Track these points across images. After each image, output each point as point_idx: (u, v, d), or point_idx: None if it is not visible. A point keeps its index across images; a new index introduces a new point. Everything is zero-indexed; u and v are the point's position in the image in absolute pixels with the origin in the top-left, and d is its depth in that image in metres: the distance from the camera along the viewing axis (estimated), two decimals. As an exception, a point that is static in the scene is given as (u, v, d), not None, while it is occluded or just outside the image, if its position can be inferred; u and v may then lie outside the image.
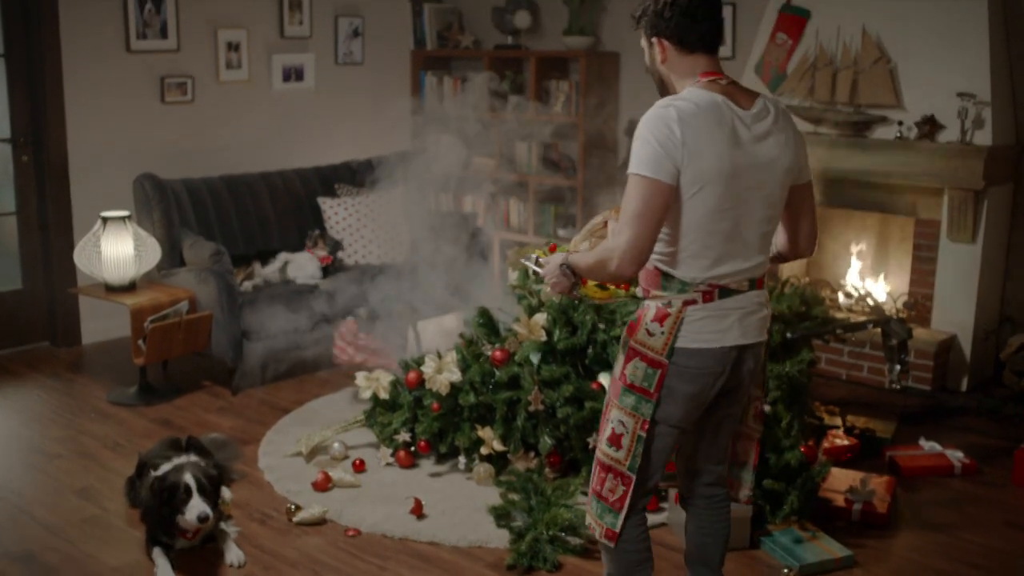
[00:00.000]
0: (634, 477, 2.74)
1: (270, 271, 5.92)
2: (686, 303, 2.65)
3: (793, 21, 6.06)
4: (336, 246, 6.26)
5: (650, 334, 2.67)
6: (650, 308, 2.69)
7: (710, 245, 2.62)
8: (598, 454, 2.82)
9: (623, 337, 2.77)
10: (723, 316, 2.67)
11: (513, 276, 4.72)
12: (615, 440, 2.75)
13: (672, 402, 2.71)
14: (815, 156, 5.68)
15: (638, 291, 2.82)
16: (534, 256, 3.05)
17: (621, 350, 2.76)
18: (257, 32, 6.96)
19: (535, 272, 3.01)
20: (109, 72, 6.27)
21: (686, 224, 2.60)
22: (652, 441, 2.74)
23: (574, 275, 2.78)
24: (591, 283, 2.80)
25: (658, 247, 2.65)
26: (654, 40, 2.72)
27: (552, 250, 3.10)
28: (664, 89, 2.76)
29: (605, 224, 2.94)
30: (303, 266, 5.93)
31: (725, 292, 2.67)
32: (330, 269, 6.08)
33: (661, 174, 2.52)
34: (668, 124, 2.53)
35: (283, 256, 6.01)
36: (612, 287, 2.92)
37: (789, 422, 4.13)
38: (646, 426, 2.70)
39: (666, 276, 2.67)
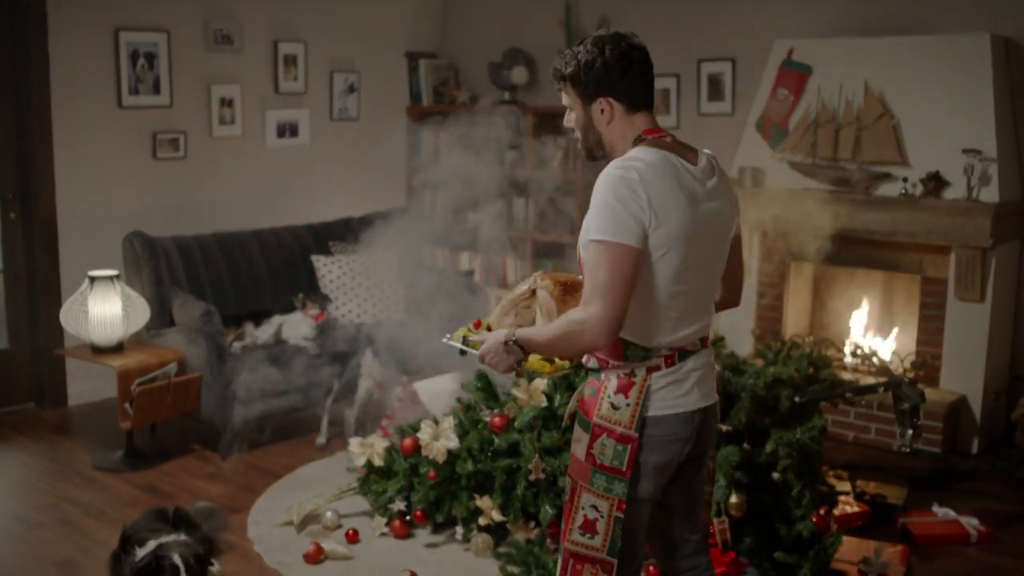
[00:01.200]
0: (615, 562, 2.58)
1: (264, 334, 5.75)
2: (650, 370, 2.53)
3: (794, 76, 5.98)
4: (325, 300, 6.11)
5: (615, 408, 2.53)
6: (610, 379, 2.55)
7: (672, 307, 2.51)
8: (567, 545, 2.62)
9: (578, 415, 2.62)
10: (684, 379, 2.57)
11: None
12: (589, 527, 2.58)
13: (645, 476, 2.56)
14: (820, 213, 5.62)
15: (591, 363, 2.63)
16: (458, 335, 2.86)
17: (581, 429, 2.60)
18: (251, 87, 6.87)
19: (462, 352, 2.83)
20: (100, 128, 6.16)
21: (649, 289, 2.48)
22: (631, 520, 2.59)
23: (522, 351, 2.58)
24: (534, 357, 2.61)
25: None
26: (599, 100, 2.57)
27: (477, 326, 2.89)
28: (595, 152, 2.66)
29: (532, 293, 2.82)
30: (297, 327, 5.77)
31: (684, 354, 2.58)
32: (324, 327, 5.92)
33: (628, 238, 2.39)
34: (631, 187, 2.41)
35: (277, 319, 5.85)
36: (559, 360, 2.67)
37: (800, 491, 3.96)
38: (623, 506, 2.55)
39: (627, 344, 2.53)
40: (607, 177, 2.44)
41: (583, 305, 2.43)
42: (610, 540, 2.56)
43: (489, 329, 2.82)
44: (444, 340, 2.88)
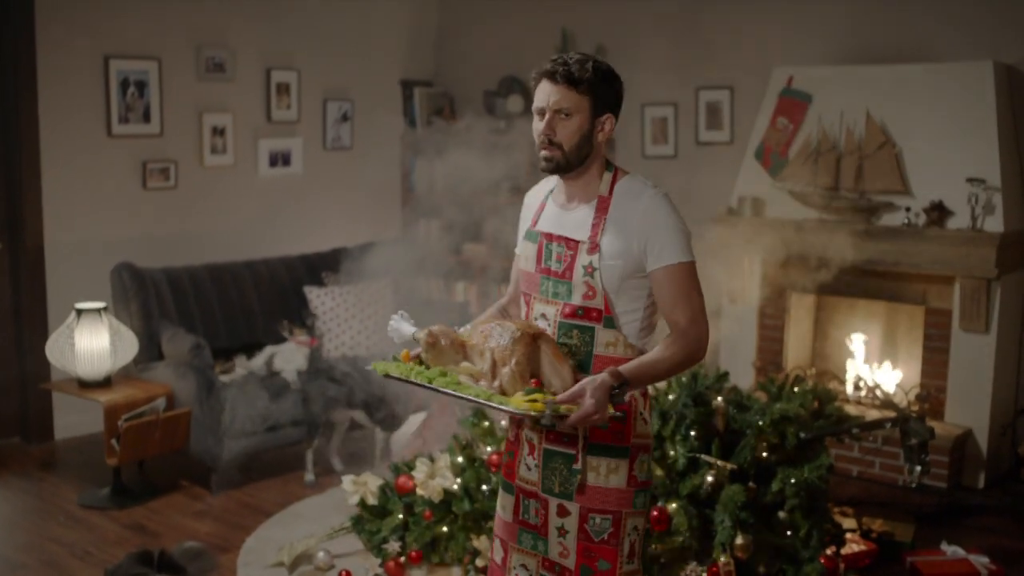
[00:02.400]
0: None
1: (256, 364, 5.62)
2: None
3: (794, 105, 5.89)
4: (312, 327, 5.97)
5: (645, 422, 2.61)
6: (636, 399, 2.59)
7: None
8: None
9: (598, 449, 2.55)
10: None
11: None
12: (632, 552, 2.60)
13: None
14: (821, 243, 5.53)
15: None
16: (387, 367, 2.60)
17: (612, 458, 2.56)
18: (243, 116, 6.78)
19: (548, 424, 2.44)
20: (89, 157, 6.05)
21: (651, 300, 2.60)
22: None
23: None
24: (518, 394, 2.42)
25: (633, 328, 2.58)
26: (607, 115, 2.58)
27: (405, 359, 2.61)
28: (573, 165, 2.57)
29: (533, 339, 2.52)
30: (291, 358, 5.64)
31: None
32: (317, 353, 5.78)
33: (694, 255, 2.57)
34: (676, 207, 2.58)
35: (269, 349, 5.72)
36: (541, 396, 2.41)
37: (808, 531, 3.84)
38: (646, 515, 2.68)
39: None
40: (661, 199, 2.53)
41: (690, 323, 2.51)
42: (639, 554, 2.63)
43: (420, 362, 2.61)
44: (519, 412, 2.40)
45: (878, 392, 5.74)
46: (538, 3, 7.36)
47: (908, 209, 5.49)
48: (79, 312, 5.13)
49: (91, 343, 5.11)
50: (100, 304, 5.21)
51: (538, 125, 2.55)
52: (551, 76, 2.53)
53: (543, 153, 2.55)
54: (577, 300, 2.54)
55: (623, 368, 2.44)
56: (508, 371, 2.44)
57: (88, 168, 6.06)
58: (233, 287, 5.99)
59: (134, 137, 6.23)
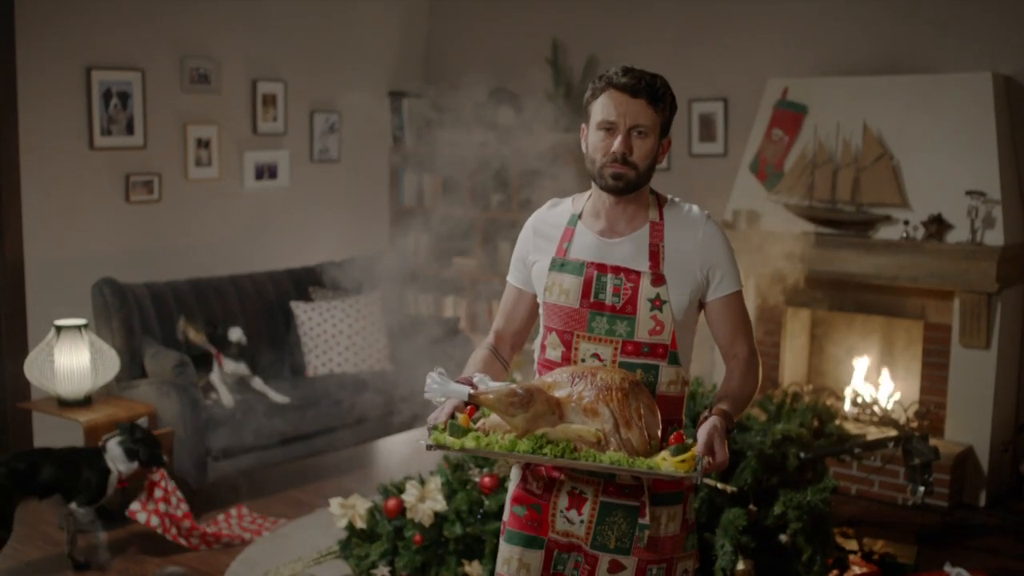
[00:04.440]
0: None
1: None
2: None
3: (789, 117, 5.79)
4: (212, 326, 5.67)
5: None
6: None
7: None
8: None
9: (656, 497, 2.40)
10: None
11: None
12: None
13: None
14: (818, 257, 5.43)
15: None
16: (444, 437, 2.24)
17: (670, 505, 2.43)
18: (228, 128, 6.65)
19: (699, 483, 2.40)
20: (71, 169, 5.90)
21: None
22: None
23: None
24: (665, 453, 2.16)
25: (688, 362, 2.46)
26: (667, 139, 2.46)
27: (471, 414, 2.31)
28: (633, 188, 2.40)
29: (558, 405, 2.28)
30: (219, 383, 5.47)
31: None
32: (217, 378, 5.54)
33: None
34: None
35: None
36: (690, 453, 2.19)
37: (811, 556, 3.71)
38: (695, 555, 2.56)
39: None
40: (716, 225, 2.46)
41: (752, 353, 2.45)
42: None
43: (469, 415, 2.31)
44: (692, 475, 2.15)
45: (876, 409, 5.64)
46: (529, 14, 7.26)
47: (906, 222, 5.39)
48: (59, 329, 4.99)
49: (71, 361, 4.96)
50: (81, 321, 5.07)
51: (606, 140, 2.38)
52: (630, 90, 2.36)
53: (614, 171, 2.36)
54: (643, 336, 2.37)
55: (726, 407, 2.31)
56: (637, 429, 2.18)
57: (69, 181, 5.91)
58: (217, 302, 5.85)
59: (117, 149, 6.09)
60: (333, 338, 5.94)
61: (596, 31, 6.92)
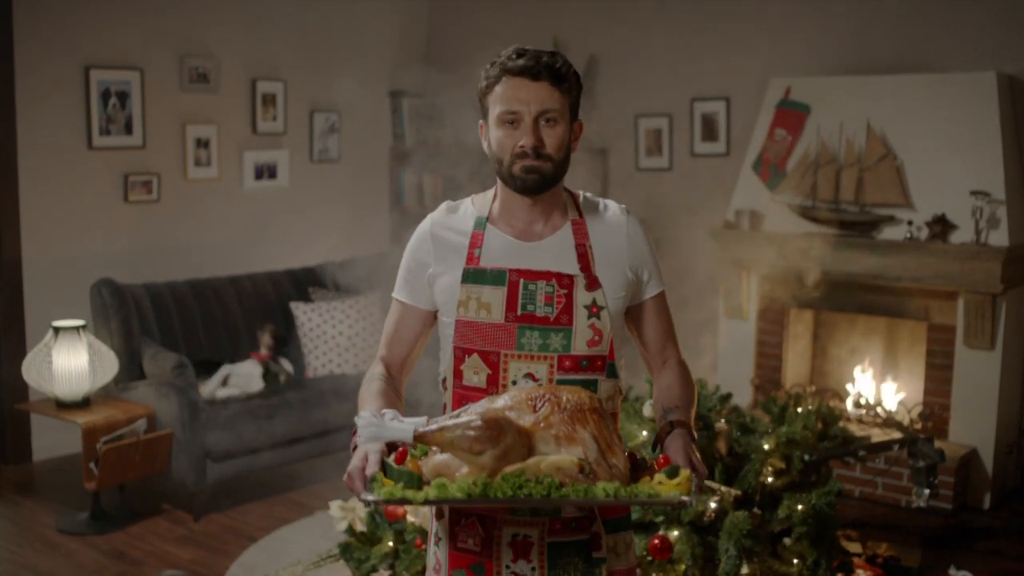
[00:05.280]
0: None
1: (208, 389, 5.38)
2: None
3: (792, 116, 5.75)
4: (281, 339, 5.76)
5: None
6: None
7: None
8: None
9: (614, 520, 2.20)
10: None
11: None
12: None
13: None
14: (821, 257, 5.39)
15: (646, 452, 2.34)
16: (387, 489, 1.85)
17: (625, 530, 2.23)
18: (228, 128, 6.61)
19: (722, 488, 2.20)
20: (69, 169, 5.87)
21: None
22: None
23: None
24: (659, 478, 1.92)
25: (621, 372, 2.22)
26: (577, 122, 2.20)
27: (401, 457, 1.95)
28: (553, 181, 2.14)
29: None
30: (247, 378, 5.45)
31: None
32: (271, 368, 5.56)
33: None
34: None
35: (224, 369, 5.51)
36: (687, 475, 1.95)
37: (816, 560, 3.67)
38: None
39: None
40: (636, 219, 2.26)
41: (676, 352, 2.29)
42: None
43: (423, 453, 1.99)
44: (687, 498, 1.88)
45: (880, 411, 5.59)
46: (529, 13, 7.22)
47: (910, 223, 5.35)
48: (57, 330, 4.95)
49: (69, 362, 4.93)
50: (79, 322, 5.03)
51: (511, 134, 2.10)
52: (529, 72, 2.08)
53: (529, 164, 2.08)
54: (581, 348, 2.11)
55: (682, 417, 2.09)
56: (621, 453, 1.92)
57: (68, 181, 5.88)
58: (217, 303, 5.82)
59: (115, 149, 6.05)
60: (333, 339, 5.90)
61: (597, 29, 6.88)
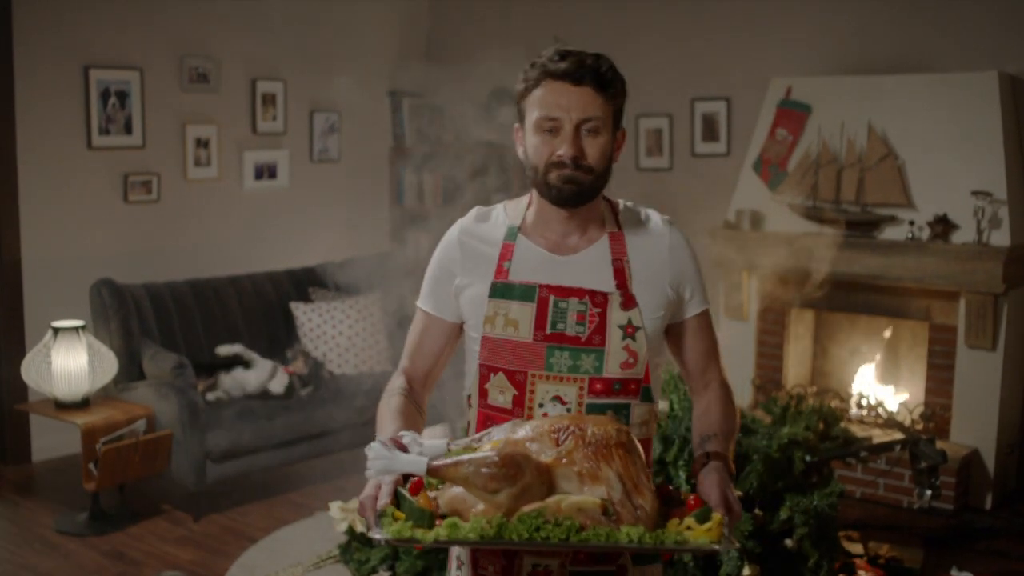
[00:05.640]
0: None
1: (236, 383, 5.40)
2: None
3: (793, 116, 5.74)
4: (315, 366, 5.76)
5: None
6: None
7: None
8: None
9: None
10: None
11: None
12: None
13: None
14: (822, 257, 5.38)
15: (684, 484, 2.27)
16: (397, 527, 1.73)
17: (653, 562, 2.08)
18: (228, 128, 6.60)
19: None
20: (68, 169, 5.86)
21: None
22: None
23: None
24: (688, 520, 1.79)
25: (657, 396, 2.10)
26: (620, 131, 2.07)
27: (416, 488, 1.83)
28: (593, 192, 2.02)
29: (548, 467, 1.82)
30: (269, 373, 5.45)
31: None
32: (295, 384, 5.57)
33: None
34: None
35: (253, 354, 5.53)
36: (718, 517, 1.82)
37: (817, 561, 3.67)
38: None
39: None
40: (680, 231, 2.12)
41: (719, 374, 2.14)
42: None
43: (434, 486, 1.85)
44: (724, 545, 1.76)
45: (881, 411, 5.58)
46: (530, 13, 7.21)
47: (912, 223, 5.34)
48: (56, 331, 4.94)
49: (68, 363, 4.92)
50: (78, 322, 5.02)
51: (550, 142, 1.98)
52: (572, 77, 1.95)
53: (566, 175, 1.96)
54: (613, 371, 1.98)
55: (719, 448, 1.96)
56: (649, 493, 1.77)
57: (67, 181, 5.87)
58: (217, 304, 5.81)
59: (115, 149, 6.04)
60: (333, 339, 5.89)
61: (598, 30, 6.86)
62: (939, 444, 5.12)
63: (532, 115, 2.00)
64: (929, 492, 4.24)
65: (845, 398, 5.75)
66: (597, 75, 1.96)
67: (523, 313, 2.01)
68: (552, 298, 2.01)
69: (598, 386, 1.99)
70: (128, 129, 6.08)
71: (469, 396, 2.10)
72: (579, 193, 1.98)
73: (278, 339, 5.93)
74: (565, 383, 1.99)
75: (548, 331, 2.00)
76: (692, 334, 2.11)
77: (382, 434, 1.98)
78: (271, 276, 6.15)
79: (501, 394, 2.03)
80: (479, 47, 7.56)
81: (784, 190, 5.73)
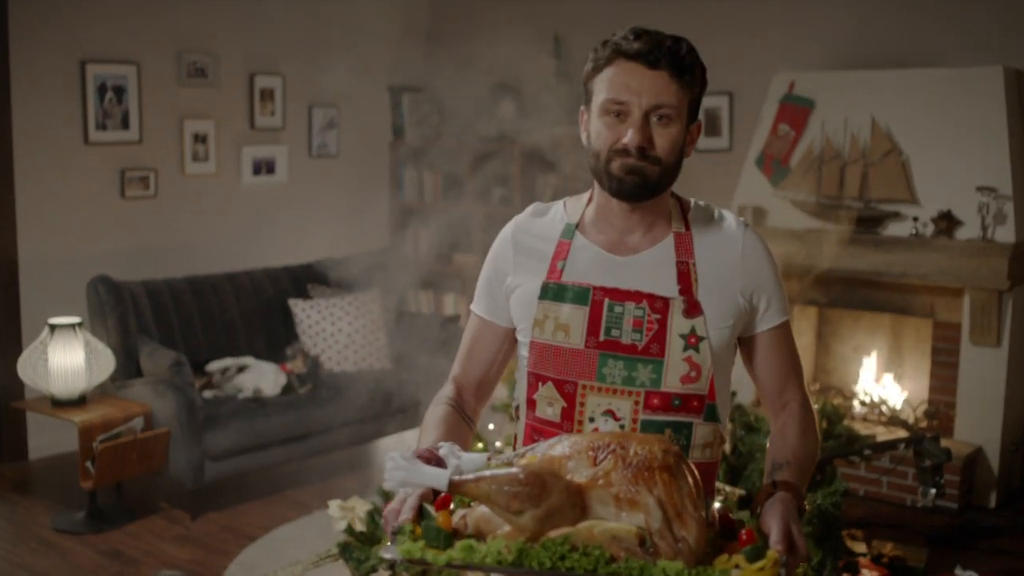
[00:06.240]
0: None
1: (230, 382, 5.39)
2: None
3: (796, 111, 5.72)
4: (313, 364, 5.74)
5: None
6: None
7: None
8: None
9: None
10: None
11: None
12: None
13: None
14: (825, 254, 5.36)
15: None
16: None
17: None
18: (226, 123, 6.58)
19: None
20: (65, 165, 5.84)
21: None
22: None
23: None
24: (737, 559, 1.58)
25: (726, 416, 1.94)
26: (696, 123, 1.92)
27: (446, 523, 1.64)
28: (660, 187, 1.85)
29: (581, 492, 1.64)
30: (266, 376, 5.43)
31: None
32: (293, 383, 5.55)
33: None
34: None
35: (247, 359, 5.51)
36: (774, 554, 1.59)
37: (821, 560, 3.65)
38: None
39: None
40: (758, 235, 1.94)
41: (799, 393, 1.93)
42: None
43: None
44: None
45: (884, 409, 5.57)
46: (530, 8, 7.19)
47: (915, 219, 5.32)
48: (53, 327, 4.92)
49: (65, 360, 4.90)
50: (75, 319, 5.00)
51: (616, 127, 1.82)
52: (646, 58, 1.80)
53: (630, 164, 1.80)
54: (673, 385, 1.82)
55: (790, 478, 1.76)
56: (695, 523, 1.56)
57: (64, 177, 5.85)
58: (215, 300, 5.79)
59: (112, 144, 6.02)
60: (332, 336, 5.87)
61: (598, 25, 6.82)
62: (943, 442, 5.11)
63: (599, 97, 1.84)
64: (933, 490, 4.23)
65: (848, 395, 5.74)
66: (675, 58, 1.82)
67: (575, 317, 1.85)
68: (607, 301, 1.84)
69: (655, 401, 1.83)
70: (125, 124, 6.05)
71: (518, 407, 1.98)
72: (643, 185, 1.82)
73: (276, 336, 5.92)
74: (619, 396, 1.83)
75: (601, 338, 1.84)
76: (767, 349, 1.93)
77: (423, 443, 1.86)
78: (269, 273, 6.13)
79: (550, 406, 1.88)
80: (479, 42, 7.53)
81: (787, 186, 5.71)
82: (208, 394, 5.30)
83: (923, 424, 5.40)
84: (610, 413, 1.83)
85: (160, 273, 5.92)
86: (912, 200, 5.36)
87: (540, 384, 1.89)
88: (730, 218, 1.95)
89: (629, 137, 1.80)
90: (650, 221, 1.90)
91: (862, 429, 5.31)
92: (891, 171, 5.39)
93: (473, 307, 2.05)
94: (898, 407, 5.57)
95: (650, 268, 1.87)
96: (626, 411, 1.83)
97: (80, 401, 4.99)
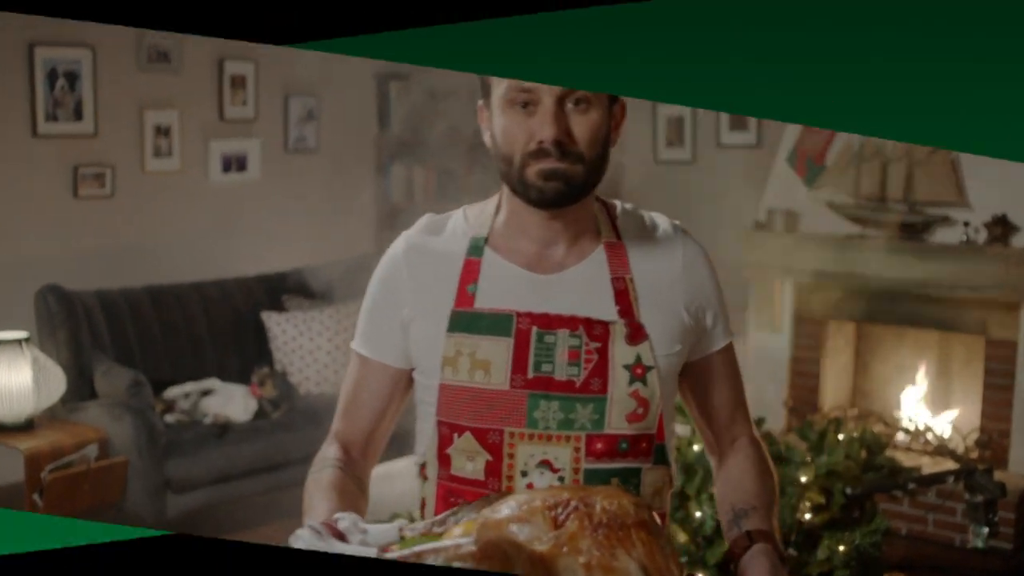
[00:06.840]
0: None
1: (176, 392, 5.43)
2: None
3: (832, 102, 5.75)
4: (286, 386, 5.77)
5: None
6: None
7: None
8: None
9: None
10: None
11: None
12: None
13: None
14: (865, 263, 5.40)
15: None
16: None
17: None
18: (191, 114, 6.62)
19: None
20: (10, 160, 5.88)
21: None
22: None
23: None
24: None
25: (669, 460, 1.86)
26: (618, 105, 1.79)
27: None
28: (589, 185, 1.75)
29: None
30: (235, 400, 5.46)
31: None
32: (264, 408, 5.58)
33: None
34: None
35: (212, 381, 5.54)
36: None
37: (860, 607, 3.68)
38: None
39: None
40: (697, 243, 1.87)
41: (748, 428, 1.89)
42: None
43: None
44: None
45: (930, 437, 5.60)
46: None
47: (967, 224, 5.36)
48: (-4, 343, 4.96)
49: (10, 379, 4.93)
50: (21, 334, 5.04)
51: (524, 122, 1.69)
52: None
53: (549, 168, 1.68)
54: (618, 426, 1.73)
55: (763, 526, 1.70)
56: None
57: (9, 173, 5.88)
58: (179, 313, 5.84)
59: (63, 137, 6.06)
60: (311, 353, 5.90)
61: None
62: (997, 475, 5.13)
63: (500, 86, 1.71)
64: (986, 529, 4.23)
65: (890, 422, 5.77)
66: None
67: (496, 351, 1.72)
68: (535, 330, 1.73)
69: (599, 446, 1.72)
70: (78, 115, 6.09)
71: (423, 465, 1.84)
72: (567, 191, 1.70)
73: (248, 353, 5.95)
74: (555, 443, 1.72)
75: (530, 375, 1.72)
76: (715, 375, 1.86)
77: (311, 517, 1.66)
78: (240, 282, 6.18)
79: (470, 461, 1.75)
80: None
81: (822, 186, 5.75)
82: (170, 418, 5.33)
83: (974, 455, 5.43)
84: (546, 464, 1.72)
85: (117, 282, 5.94)
86: (963, 203, 5.40)
87: (455, 435, 1.76)
88: (664, 223, 1.88)
89: (544, 132, 1.67)
90: (575, 231, 1.79)
91: (905, 460, 5.32)
92: (939, 170, 5.43)
93: (355, 346, 1.90)
94: (946, 435, 5.60)
95: (582, 287, 1.76)
96: (565, 460, 1.72)
97: (27, 426, 5.01)
